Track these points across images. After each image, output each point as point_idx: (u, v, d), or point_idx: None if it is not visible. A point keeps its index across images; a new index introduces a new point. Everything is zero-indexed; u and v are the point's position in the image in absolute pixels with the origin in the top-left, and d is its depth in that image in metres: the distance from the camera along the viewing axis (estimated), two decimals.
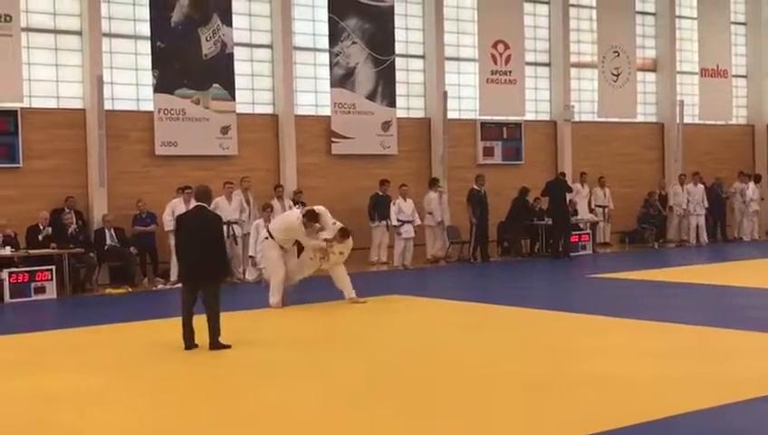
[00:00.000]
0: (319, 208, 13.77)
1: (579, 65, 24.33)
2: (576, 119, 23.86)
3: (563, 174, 21.86)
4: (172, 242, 17.00)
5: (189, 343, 10.07)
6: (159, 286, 16.74)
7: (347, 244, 13.77)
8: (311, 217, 13.47)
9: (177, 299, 12.31)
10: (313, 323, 12.20)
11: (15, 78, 16.62)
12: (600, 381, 8.11)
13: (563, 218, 20.78)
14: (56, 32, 17.48)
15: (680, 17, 26.11)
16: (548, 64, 23.84)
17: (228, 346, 10.06)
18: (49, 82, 17.42)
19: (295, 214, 14.04)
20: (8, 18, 16.48)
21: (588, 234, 21.94)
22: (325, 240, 13.48)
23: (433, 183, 20.58)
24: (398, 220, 19.12)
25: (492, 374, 8.53)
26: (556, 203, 20.80)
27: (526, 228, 21.38)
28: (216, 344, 10.03)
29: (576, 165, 23.40)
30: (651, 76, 25.88)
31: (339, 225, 13.70)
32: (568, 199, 21.16)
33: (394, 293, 15.02)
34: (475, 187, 20.35)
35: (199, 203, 10.64)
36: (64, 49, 17.54)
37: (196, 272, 10.16)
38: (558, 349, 9.88)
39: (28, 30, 17.07)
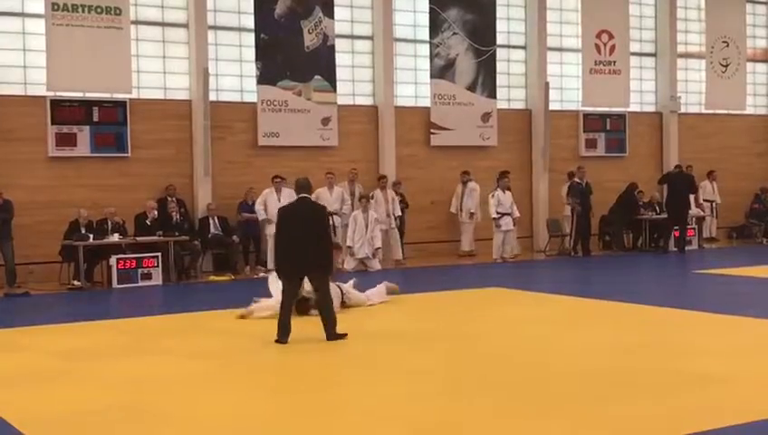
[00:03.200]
0: None
1: (686, 55, 23.69)
2: (683, 110, 23.26)
3: (680, 166, 21.11)
4: (266, 231, 17.29)
5: (284, 338, 9.83)
6: (261, 274, 17.00)
7: None
8: None
9: None
10: (414, 315, 12.18)
11: (125, 70, 17.09)
12: (703, 379, 7.87)
13: (682, 213, 20.24)
14: (164, 24, 17.89)
15: None
16: (654, 54, 23.29)
17: (345, 335, 9.94)
18: (156, 73, 17.85)
19: None
20: (118, 11, 16.95)
21: (694, 229, 21.38)
22: None
23: (571, 175, 20.45)
24: (498, 212, 18.94)
25: (592, 370, 8.37)
26: (677, 196, 20.22)
27: (630, 222, 20.95)
28: (333, 335, 9.90)
29: (682, 157, 22.79)
30: (762, 67, 25.04)
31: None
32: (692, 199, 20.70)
33: (493, 285, 14.91)
34: (576, 179, 20.02)
35: (302, 195, 10.28)
36: (171, 41, 17.96)
37: (303, 264, 9.93)
38: (661, 345, 9.63)
39: (137, 23, 17.52)
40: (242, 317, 11.60)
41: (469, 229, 19.72)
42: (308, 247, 9.87)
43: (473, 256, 19.43)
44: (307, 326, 10.40)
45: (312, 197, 17.39)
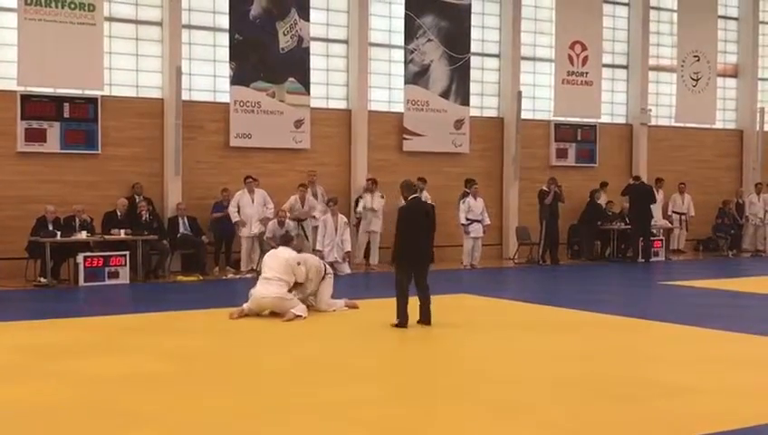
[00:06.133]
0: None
1: (657, 69, 23.93)
2: (653, 123, 23.49)
3: (639, 177, 21.55)
4: (241, 234, 17.20)
5: (405, 323, 10.97)
6: (230, 276, 16.96)
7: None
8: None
9: (245, 289, 12.49)
10: (377, 320, 12.19)
11: (97, 66, 16.98)
12: (669, 388, 7.95)
13: (645, 223, 20.50)
14: (137, 22, 17.80)
15: (763, 23, 25.53)
16: (625, 67, 23.50)
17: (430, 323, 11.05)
18: (129, 71, 17.75)
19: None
20: (92, 7, 16.84)
21: (661, 240, 21.59)
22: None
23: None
24: (468, 219, 19.03)
25: (557, 377, 8.42)
26: (639, 207, 20.52)
27: (598, 232, 21.12)
28: (428, 320, 11.10)
29: (651, 170, 23.03)
30: (732, 82, 25.34)
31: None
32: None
33: (461, 292, 14.96)
34: (545, 188, 20.16)
35: (413, 196, 11.40)
36: (145, 39, 17.86)
37: (419, 256, 11.13)
38: (626, 355, 9.71)
39: (110, 20, 17.42)
40: (240, 316, 11.58)
41: None
42: (424, 241, 11.23)
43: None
44: (266, 327, 10.38)
45: (286, 205, 17.60)
